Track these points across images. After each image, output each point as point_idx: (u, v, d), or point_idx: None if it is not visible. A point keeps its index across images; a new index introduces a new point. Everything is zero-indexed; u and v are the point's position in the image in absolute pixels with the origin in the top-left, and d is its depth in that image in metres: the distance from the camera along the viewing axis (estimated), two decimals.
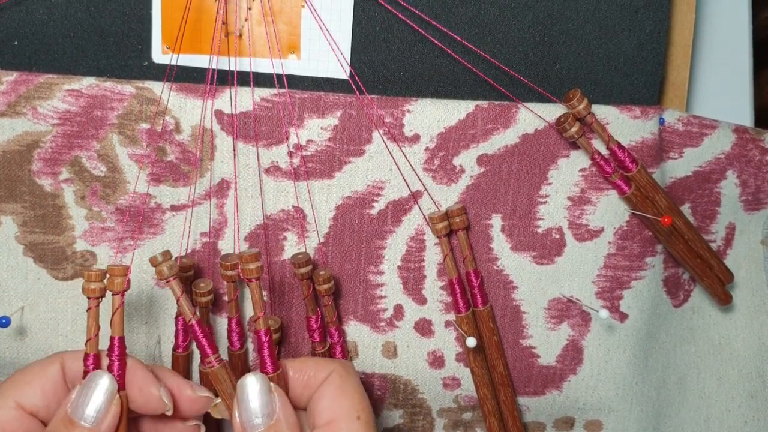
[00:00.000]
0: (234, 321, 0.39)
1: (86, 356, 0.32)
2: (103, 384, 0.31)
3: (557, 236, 0.41)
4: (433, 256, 0.41)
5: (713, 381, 0.45)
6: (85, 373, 0.32)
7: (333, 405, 0.32)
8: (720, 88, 0.47)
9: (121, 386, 0.32)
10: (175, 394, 0.33)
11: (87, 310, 0.32)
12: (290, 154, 0.39)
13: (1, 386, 0.32)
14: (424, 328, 0.42)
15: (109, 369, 0.32)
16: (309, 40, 0.39)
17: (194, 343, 0.39)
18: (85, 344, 0.32)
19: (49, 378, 0.32)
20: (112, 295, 0.32)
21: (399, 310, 0.41)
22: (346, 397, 0.32)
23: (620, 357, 0.42)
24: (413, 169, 0.40)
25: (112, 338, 0.32)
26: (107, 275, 0.32)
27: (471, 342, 0.38)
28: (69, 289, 0.40)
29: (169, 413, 0.32)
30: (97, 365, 0.32)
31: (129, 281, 0.32)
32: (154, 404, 0.32)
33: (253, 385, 0.31)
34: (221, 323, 0.41)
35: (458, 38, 0.39)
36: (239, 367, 0.40)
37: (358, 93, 0.39)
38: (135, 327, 0.40)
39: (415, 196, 0.40)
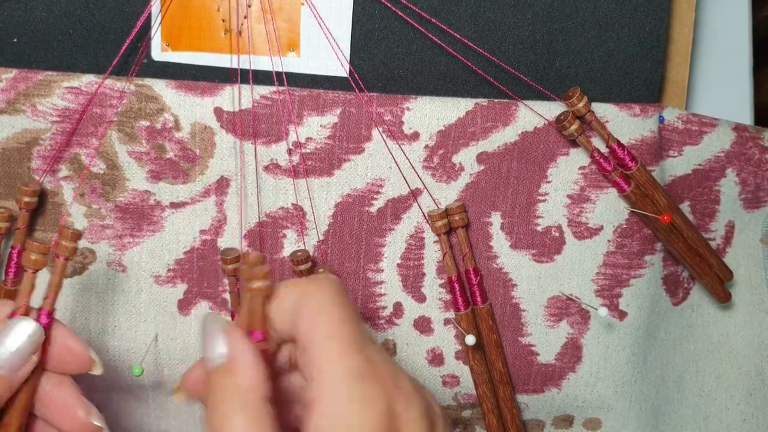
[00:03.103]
0: (236, 314, 0.39)
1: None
2: (27, 328, 0.29)
3: (557, 234, 0.41)
4: (432, 254, 0.41)
5: (712, 379, 0.45)
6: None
7: (306, 327, 0.27)
8: (720, 86, 0.47)
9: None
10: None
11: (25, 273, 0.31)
12: (290, 151, 0.39)
13: None
14: (423, 325, 0.42)
15: (39, 316, 0.30)
16: (308, 38, 0.39)
17: None
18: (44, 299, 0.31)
19: None
20: (58, 258, 0.30)
21: (398, 308, 0.41)
22: (321, 315, 0.27)
23: (619, 355, 0.42)
24: (413, 167, 0.40)
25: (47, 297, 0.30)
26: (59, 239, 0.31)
27: (470, 340, 0.38)
28: (68, 287, 0.40)
29: (97, 372, 0.31)
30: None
31: (75, 250, 0.31)
32: (79, 361, 0.31)
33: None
34: None
35: (458, 36, 0.39)
36: None
37: (357, 91, 0.39)
38: (133, 325, 0.40)
39: (414, 193, 0.40)
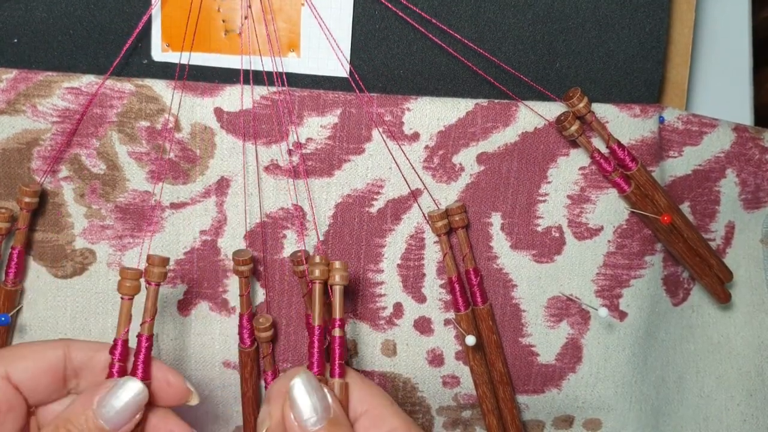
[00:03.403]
0: (245, 317, 0.39)
1: (115, 343, 0.32)
2: (134, 389, 0.31)
3: (557, 235, 0.41)
4: (432, 254, 0.41)
5: (712, 379, 0.45)
6: (112, 363, 0.32)
7: (363, 396, 0.32)
8: (720, 86, 0.47)
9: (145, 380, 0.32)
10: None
11: (122, 300, 0.32)
12: (290, 152, 0.39)
13: None
14: (423, 326, 0.42)
15: (135, 363, 0.32)
16: (309, 38, 0.39)
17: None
18: (142, 325, 0.32)
19: (47, 361, 0.32)
20: (150, 285, 0.32)
21: (398, 309, 0.41)
22: (372, 389, 0.33)
23: (619, 355, 0.42)
24: (413, 168, 0.40)
25: (140, 336, 0.32)
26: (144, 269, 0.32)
27: (470, 340, 0.38)
28: (68, 287, 0.40)
29: (194, 403, 0.33)
30: (125, 355, 0.32)
31: (165, 274, 0.33)
32: (180, 395, 0.32)
33: (301, 384, 0.31)
34: (222, 322, 0.41)
35: (458, 36, 0.39)
36: (249, 365, 0.40)
37: (357, 91, 0.39)
38: (133, 326, 0.40)
39: (414, 194, 0.40)
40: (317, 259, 0.33)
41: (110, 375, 0.32)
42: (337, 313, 0.33)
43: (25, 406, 0.31)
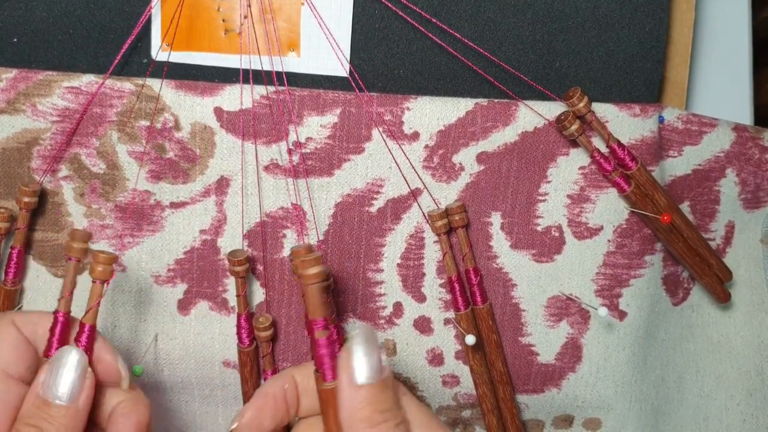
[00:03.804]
0: (243, 317, 0.39)
1: (56, 313, 0.31)
2: (73, 359, 0.30)
3: (556, 234, 0.41)
4: (432, 253, 0.41)
5: (712, 379, 0.45)
6: (51, 334, 0.31)
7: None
8: (720, 86, 0.47)
9: (90, 359, 0.31)
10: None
11: (67, 261, 0.31)
12: (290, 151, 0.39)
13: None
14: (423, 325, 0.42)
15: (78, 338, 0.31)
16: (309, 38, 0.39)
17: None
18: (58, 301, 0.32)
19: (8, 338, 0.31)
20: (94, 282, 0.31)
21: (398, 308, 0.41)
22: (346, 368, 0.31)
23: (619, 355, 0.42)
24: (413, 167, 0.40)
25: (82, 324, 0.31)
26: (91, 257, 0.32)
27: (470, 340, 0.38)
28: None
29: (125, 386, 0.32)
30: (66, 326, 0.31)
31: (113, 273, 0.31)
32: (111, 375, 0.32)
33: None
34: (222, 321, 0.41)
35: (458, 36, 0.39)
36: (248, 364, 0.40)
37: (357, 90, 0.39)
38: (133, 325, 0.40)
39: (414, 193, 0.40)
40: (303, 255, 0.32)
41: (48, 351, 0.31)
42: (317, 313, 0.31)
43: (20, 384, 0.31)
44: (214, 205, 0.40)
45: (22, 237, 0.38)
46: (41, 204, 0.39)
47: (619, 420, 0.44)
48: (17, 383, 0.31)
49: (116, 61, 0.38)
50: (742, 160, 0.42)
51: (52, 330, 0.31)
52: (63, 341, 0.31)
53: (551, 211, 0.41)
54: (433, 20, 0.38)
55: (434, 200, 0.40)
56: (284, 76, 0.39)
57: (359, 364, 0.29)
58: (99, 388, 0.32)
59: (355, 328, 0.31)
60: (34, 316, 0.33)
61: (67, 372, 0.30)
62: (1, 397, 0.30)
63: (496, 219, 0.41)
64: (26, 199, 0.37)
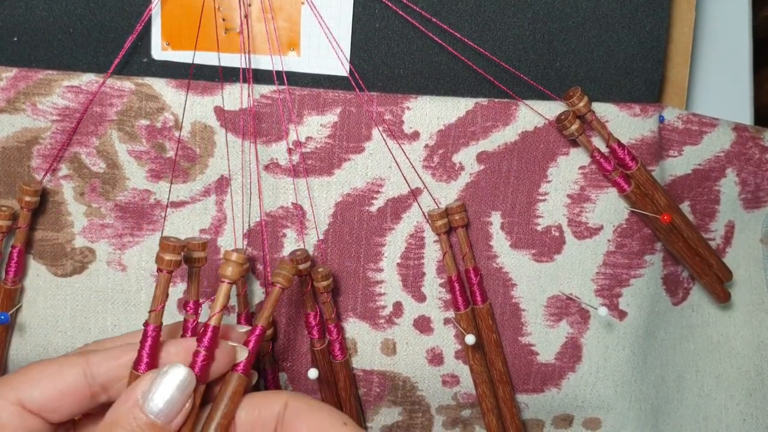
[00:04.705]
0: (243, 317, 0.39)
1: (146, 326, 0.29)
2: (178, 375, 0.28)
3: (557, 234, 0.41)
4: (432, 253, 0.41)
5: (712, 379, 0.45)
6: (141, 347, 0.29)
7: (313, 423, 0.29)
8: (720, 86, 0.47)
9: (202, 380, 0.29)
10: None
11: (159, 273, 0.29)
12: (290, 151, 0.39)
13: (3, 381, 0.29)
14: (423, 325, 0.42)
15: (201, 338, 0.29)
16: (309, 37, 0.39)
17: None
18: (149, 314, 0.29)
19: (65, 382, 0.28)
20: (222, 282, 0.30)
21: (398, 308, 0.41)
22: (323, 412, 0.29)
23: (619, 355, 0.42)
24: (413, 167, 0.40)
25: (206, 325, 0.29)
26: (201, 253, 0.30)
27: (470, 339, 0.38)
28: (68, 286, 0.40)
29: (243, 357, 0.30)
30: (156, 341, 0.29)
31: (179, 263, 0.29)
32: (230, 359, 0.30)
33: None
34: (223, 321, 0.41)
35: (458, 35, 0.39)
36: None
37: (357, 90, 0.39)
38: (133, 324, 0.40)
39: (414, 193, 0.40)
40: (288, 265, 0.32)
41: (138, 365, 0.29)
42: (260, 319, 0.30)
43: (46, 425, 0.29)
44: (214, 205, 0.40)
45: (23, 236, 0.38)
46: (41, 203, 0.39)
47: (618, 420, 0.44)
48: (32, 417, 0.28)
49: (117, 60, 0.38)
50: (742, 160, 0.42)
51: (142, 343, 0.29)
52: (152, 355, 0.29)
53: (551, 210, 0.41)
54: (434, 20, 0.38)
55: (434, 200, 0.40)
56: (284, 75, 0.39)
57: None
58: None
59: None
60: (115, 353, 0.29)
61: (169, 388, 0.28)
62: (12, 424, 0.28)
63: (496, 218, 0.41)
64: (27, 198, 0.37)
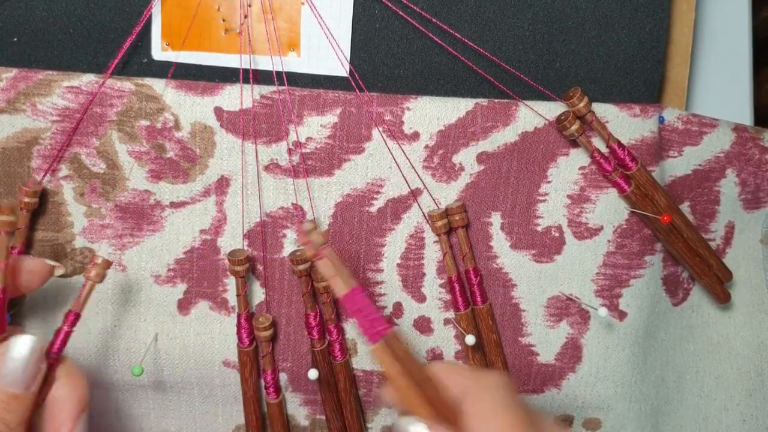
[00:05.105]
0: (243, 317, 0.39)
1: None
2: (24, 345, 0.29)
3: (557, 234, 0.41)
4: (432, 254, 0.41)
5: (712, 379, 0.45)
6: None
7: (475, 429, 0.27)
8: (720, 86, 0.47)
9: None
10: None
11: None
12: (290, 151, 0.39)
13: None
14: (423, 325, 0.42)
15: None
16: (309, 38, 0.39)
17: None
18: None
19: None
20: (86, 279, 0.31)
21: (398, 308, 0.41)
22: (494, 420, 0.26)
23: (619, 355, 0.42)
24: (413, 167, 0.40)
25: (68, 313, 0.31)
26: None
27: (470, 340, 0.38)
28: (68, 286, 0.40)
29: (59, 273, 0.33)
30: (3, 302, 0.30)
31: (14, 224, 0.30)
32: (43, 275, 0.33)
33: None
34: (222, 321, 0.41)
35: (458, 36, 0.39)
36: (248, 364, 0.40)
37: (357, 90, 0.39)
38: (133, 325, 0.40)
39: (414, 193, 0.40)
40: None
41: None
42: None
43: None
44: (214, 205, 0.40)
45: (23, 237, 0.38)
46: (41, 203, 0.39)
47: (618, 420, 0.44)
48: None
49: (117, 61, 0.38)
50: (742, 161, 0.42)
51: None
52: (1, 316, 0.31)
53: (551, 211, 0.41)
54: (434, 20, 0.38)
55: (434, 200, 0.40)
56: (284, 75, 0.39)
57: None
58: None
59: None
60: None
61: (22, 362, 0.29)
62: None
63: (496, 219, 0.41)
64: (27, 199, 0.37)
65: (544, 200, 0.41)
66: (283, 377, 0.41)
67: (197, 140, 0.38)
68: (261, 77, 0.39)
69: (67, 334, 0.31)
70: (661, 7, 0.40)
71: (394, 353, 0.28)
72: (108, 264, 0.32)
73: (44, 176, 0.38)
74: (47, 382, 0.30)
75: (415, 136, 0.39)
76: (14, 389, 0.29)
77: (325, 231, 0.28)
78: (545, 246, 0.41)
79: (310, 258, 0.28)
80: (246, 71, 0.38)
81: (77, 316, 0.32)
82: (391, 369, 0.28)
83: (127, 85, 0.38)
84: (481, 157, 0.40)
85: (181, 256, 0.40)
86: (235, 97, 0.38)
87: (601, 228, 0.41)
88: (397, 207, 0.40)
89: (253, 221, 0.40)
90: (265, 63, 0.38)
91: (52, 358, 0.31)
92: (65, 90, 0.38)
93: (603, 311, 0.40)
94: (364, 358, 0.42)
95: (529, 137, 0.40)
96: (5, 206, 0.30)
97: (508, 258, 0.41)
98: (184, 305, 0.40)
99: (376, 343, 0.28)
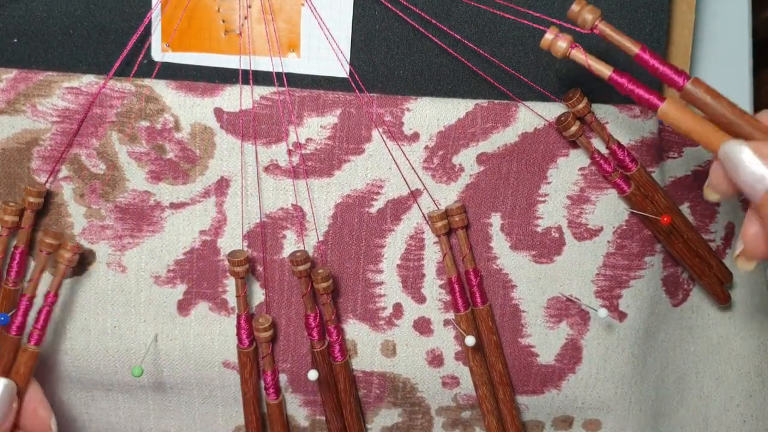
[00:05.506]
0: (243, 318, 0.39)
1: None
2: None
3: (556, 235, 0.41)
4: (432, 254, 0.41)
5: (712, 380, 0.45)
6: None
7: None
8: (720, 87, 0.47)
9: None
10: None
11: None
12: (290, 152, 0.39)
13: None
14: (423, 326, 0.42)
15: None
16: (309, 39, 0.39)
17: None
18: None
19: None
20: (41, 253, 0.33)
21: (398, 309, 0.41)
22: None
23: (619, 356, 0.42)
24: (413, 168, 0.40)
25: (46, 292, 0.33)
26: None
27: (470, 341, 0.38)
28: (68, 287, 0.40)
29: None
30: None
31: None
32: (40, 429, 0.34)
33: (746, 153, 0.30)
34: (221, 322, 0.41)
35: (458, 37, 0.39)
36: (248, 365, 0.40)
37: (357, 91, 0.39)
38: (133, 325, 0.40)
39: (414, 194, 0.40)
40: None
41: None
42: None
43: None
44: (214, 206, 0.40)
45: (26, 237, 0.38)
46: (43, 204, 0.39)
47: (618, 421, 0.44)
48: None
49: (117, 62, 0.38)
50: None
51: None
52: None
53: (551, 212, 0.41)
54: (433, 21, 0.38)
55: (434, 201, 0.40)
56: (284, 76, 0.39)
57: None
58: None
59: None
60: None
61: None
62: None
63: (495, 220, 0.41)
64: (31, 200, 0.38)
65: (544, 201, 0.41)
66: (283, 378, 0.42)
67: (197, 141, 0.39)
68: (261, 78, 0.39)
69: (48, 312, 0.37)
70: (661, 8, 0.40)
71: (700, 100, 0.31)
72: (76, 248, 0.36)
73: (48, 177, 0.38)
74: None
75: (415, 137, 0.39)
76: None
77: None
78: (545, 247, 0.41)
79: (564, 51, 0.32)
80: (246, 72, 0.38)
81: (55, 296, 0.37)
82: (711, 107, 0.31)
83: (127, 86, 0.38)
84: (481, 158, 0.40)
85: (181, 257, 0.40)
86: (235, 98, 0.38)
87: (601, 229, 0.41)
88: (397, 208, 0.40)
89: (252, 222, 0.40)
90: (264, 64, 0.38)
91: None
92: (65, 91, 0.38)
93: (603, 312, 0.40)
94: (364, 359, 0.42)
95: (529, 138, 0.40)
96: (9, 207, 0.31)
97: (508, 259, 0.41)
98: (183, 306, 0.40)
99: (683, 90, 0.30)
